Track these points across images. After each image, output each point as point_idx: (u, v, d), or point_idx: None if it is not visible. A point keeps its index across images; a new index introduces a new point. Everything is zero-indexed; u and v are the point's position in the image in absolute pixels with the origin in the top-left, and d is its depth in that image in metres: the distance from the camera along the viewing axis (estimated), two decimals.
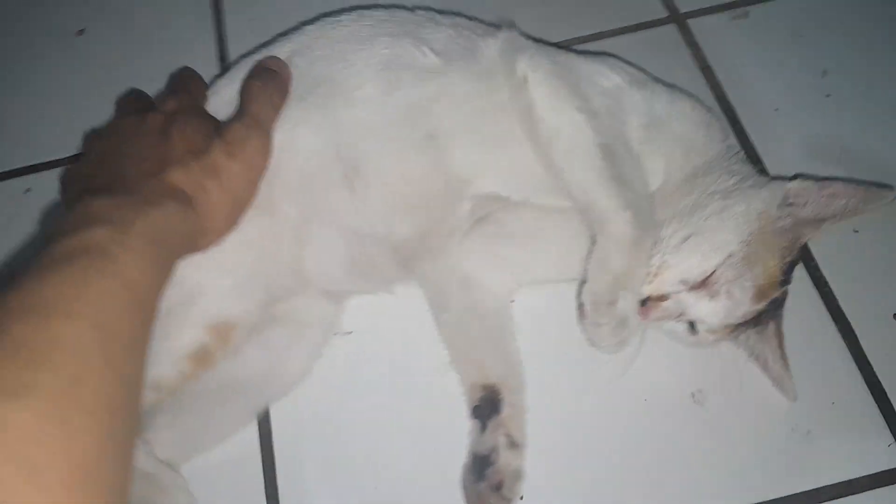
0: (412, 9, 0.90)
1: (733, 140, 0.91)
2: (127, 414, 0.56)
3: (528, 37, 0.85)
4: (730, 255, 0.76)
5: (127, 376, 0.57)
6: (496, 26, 0.86)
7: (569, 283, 0.84)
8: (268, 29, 1.11)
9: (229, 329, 0.79)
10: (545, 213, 0.83)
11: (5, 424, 0.47)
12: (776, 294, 0.78)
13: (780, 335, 0.79)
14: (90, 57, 1.16)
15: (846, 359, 0.83)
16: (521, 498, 0.77)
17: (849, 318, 0.85)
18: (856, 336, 0.84)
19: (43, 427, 0.48)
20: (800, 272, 0.83)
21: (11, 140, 1.09)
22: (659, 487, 0.78)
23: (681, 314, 0.78)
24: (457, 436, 0.81)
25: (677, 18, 1.11)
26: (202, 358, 0.78)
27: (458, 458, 0.80)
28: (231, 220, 0.76)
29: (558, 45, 0.91)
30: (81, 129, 1.06)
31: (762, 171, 0.92)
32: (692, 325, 0.79)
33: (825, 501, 0.76)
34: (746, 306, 0.76)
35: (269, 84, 0.81)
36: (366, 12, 0.89)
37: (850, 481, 0.77)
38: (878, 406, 0.80)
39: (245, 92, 0.81)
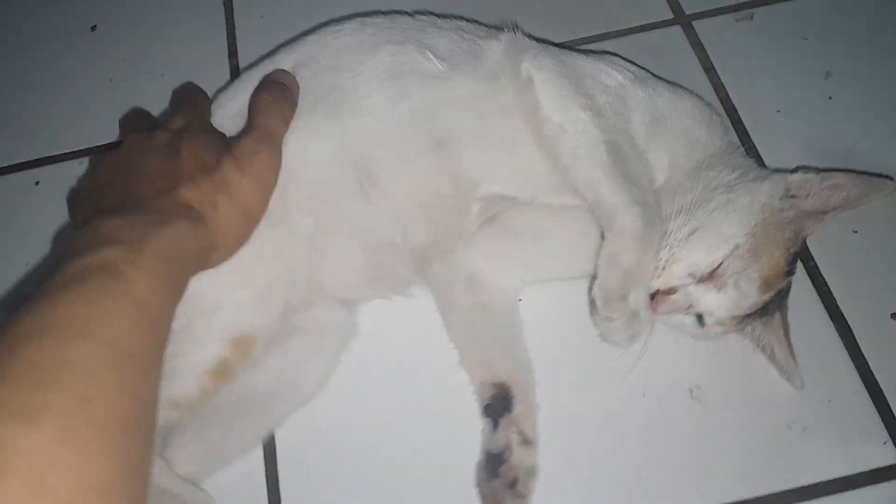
0: (412, 14, 0.90)
1: (733, 135, 0.93)
2: (141, 433, 0.55)
3: (531, 37, 0.86)
4: (736, 247, 0.76)
5: (140, 396, 0.56)
6: (498, 28, 0.87)
7: (573, 280, 0.86)
8: (278, 26, 1.13)
9: (249, 342, 0.78)
10: (550, 211, 0.84)
11: (17, 448, 0.47)
12: (781, 285, 0.79)
13: (785, 326, 0.80)
14: (102, 52, 1.17)
15: (843, 357, 0.83)
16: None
17: (846, 318, 0.85)
18: (853, 335, 0.84)
19: (55, 449, 0.48)
20: (799, 271, 0.84)
21: (22, 133, 1.10)
22: (656, 482, 0.79)
23: (689, 307, 0.78)
24: (465, 437, 0.81)
25: (682, 20, 1.12)
26: (223, 372, 0.77)
27: (468, 459, 0.80)
28: (243, 235, 0.76)
29: (563, 46, 0.92)
30: (91, 124, 1.08)
31: (762, 165, 0.93)
32: (700, 318, 0.80)
33: (821, 497, 0.76)
34: (753, 297, 0.77)
35: (278, 96, 0.81)
36: (367, 20, 0.89)
37: (845, 478, 0.77)
38: (875, 404, 0.80)
39: (254, 105, 0.81)
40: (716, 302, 0.77)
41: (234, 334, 0.77)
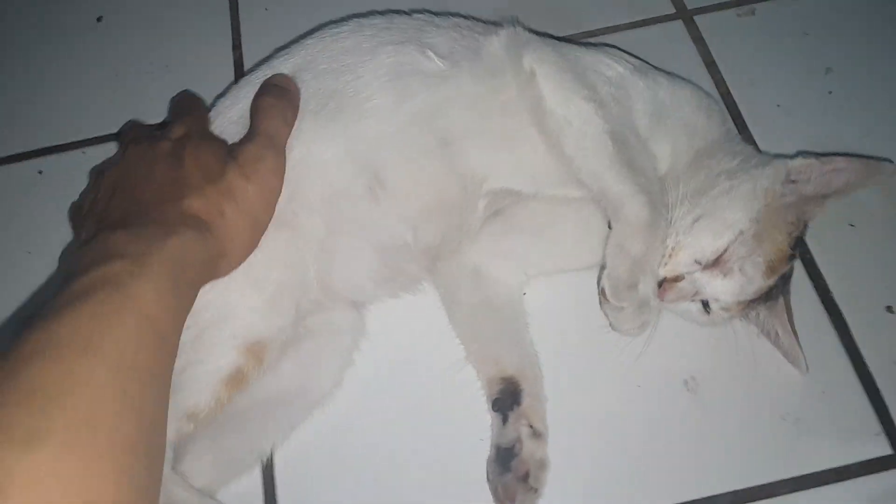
0: (409, 13, 0.90)
1: (731, 124, 0.94)
2: (147, 452, 0.55)
3: (530, 30, 0.86)
4: (741, 233, 0.77)
5: (146, 413, 0.55)
6: (495, 23, 0.87)
7: (568, 273, 0.87)
8: (282, 18, 1.14)
9: (262, 348, 0.77)
10: (552, 205, 0.85)
11: (16, 473, 0.46)
12: (785, 269, 0.79)
13: (789, 310, 0.81)
14: (107, 44, 1.18)
15: (838, 349, 0.84)
16: None
17: (842, 310, 0.86)
18: (848, 327, 0.85)
19: (57, 474, 0.47)
20: (795, 265, 0.84)
21: (26, 123, 1.10)
22: (649, 472, 0.79)
23: (696, 293, 0.79)
24: (468, 436, 0.82)
25: (684, 15, 1.12)
26: (237, 380, 0.76)
27: (472, 457, 0.80)
28: (250, 243, 0.75)
29: (563, 40, 0.92)
30: (95, 114, 1.09)
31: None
32: (705, 305, 0.80)
33: (814, 488, 0.77)
34: (759, 282, 0.78)
35: (279, 100, 0.81)
36: (364, 21, 0.89)
37: (838, 469, 0.78)
38: (868, 396, 0.81)
39: (255, 109, 0.80)
40: (722, 288, 0.78)
41: (248, 341, 0.76)
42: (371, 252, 0.83)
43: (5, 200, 1.04)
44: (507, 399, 0.81)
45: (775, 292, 0.80)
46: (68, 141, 1.07)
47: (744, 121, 1.00)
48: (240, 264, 0.75)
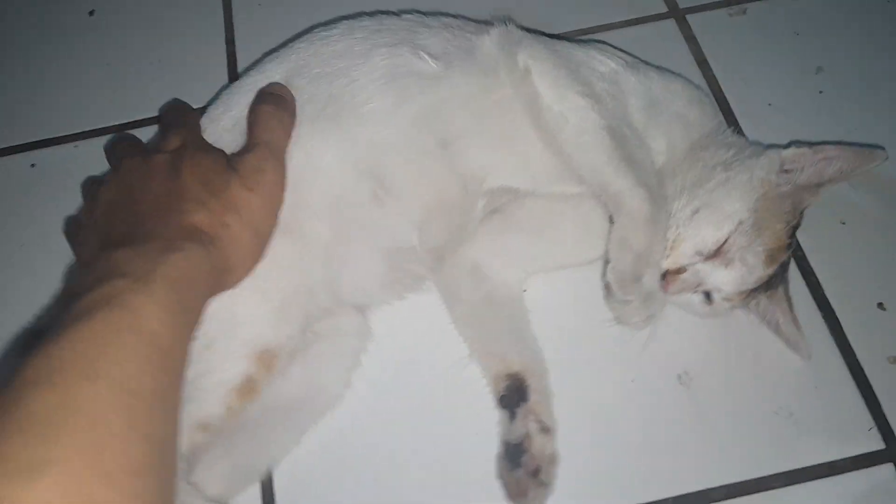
0: (398, 13, 0.89)
1: (722, 116, 0.95)
2: (156, 475, 0.53)
3: (522, 27, 0.86)
4: (740, 223, 0.78)
5: (154, 435, 0.54)
6: (486, 22, 0.87)
7: (572, 269, 0.88)
8: (275, 13, 1.13)
9: (272, 356, 0.76)
10: (550, 202, 0.85)
11: None
12: (784, 257, 0.80)
13: (788, 298, 0.82)
14: (98, 37, 1.17)
15: (830, 345, 0.85)
16: None
17: (833, 306, 0.87)
18: (840, 323, 0.86)
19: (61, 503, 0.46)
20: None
21: (18, 115, 1.10)
22: (644, 467, 0.79)
23: (699, 284, 0.80)
24: (470, 435, 0.81)
25: (676, 14, 1.13)
26: (248, 389, 0.75)
27: (477, 456, 0.80)
28: (256, 254, 0.74)
29: (556, 38, 0.92)
30: (87, 107, 1.08)
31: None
32: (707, 296, 0.81)
33: (806, 482, 0.77)
34: (760, 271, 0.79)
35: (278, 108, 0.79)
36: (355, 24, 0.88)
37: (830, 463, 0.78)
38: (860, 391, 0.82)
39: (253, 119, 0.79)
40: (724, 278, 0.79)
41: (258, 349, 0.76)
42: (378, 255, 0.82)
43: None
44: (513, 395, 0.81)
45: (775, 281, 0.81)
46: (61, 134, 1.06)
47: (735, 119, 1.01)
48: (247, 276, 0.74)
